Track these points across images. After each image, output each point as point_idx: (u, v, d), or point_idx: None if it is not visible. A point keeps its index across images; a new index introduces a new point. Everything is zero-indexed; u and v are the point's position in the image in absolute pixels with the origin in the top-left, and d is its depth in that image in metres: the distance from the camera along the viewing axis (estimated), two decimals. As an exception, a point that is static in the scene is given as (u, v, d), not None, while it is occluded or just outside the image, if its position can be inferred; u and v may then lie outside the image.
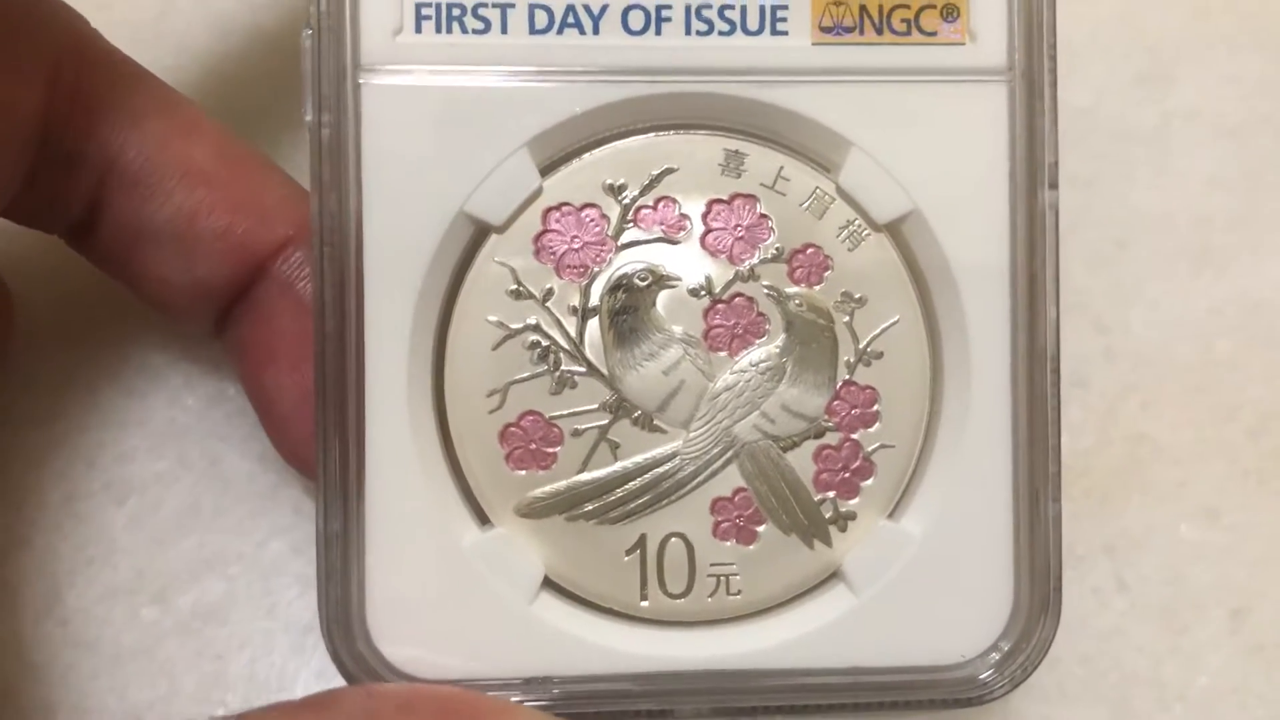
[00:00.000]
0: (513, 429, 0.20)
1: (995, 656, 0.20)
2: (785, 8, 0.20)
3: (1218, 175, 0.26)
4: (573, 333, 0.20)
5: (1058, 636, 0.20)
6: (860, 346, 0.21)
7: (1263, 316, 0.26)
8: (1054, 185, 0.20)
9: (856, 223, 0.21)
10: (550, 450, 0.20)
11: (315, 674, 0.24)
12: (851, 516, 0.21)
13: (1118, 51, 0.26)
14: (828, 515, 0.21)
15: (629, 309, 0.20)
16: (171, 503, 0.24)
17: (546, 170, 0.20)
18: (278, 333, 0.22)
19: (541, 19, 0.20)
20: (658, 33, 0.20)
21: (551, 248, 0.20)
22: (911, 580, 0.20)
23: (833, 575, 0.21)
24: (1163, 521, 0.25)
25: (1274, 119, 0.26)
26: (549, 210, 0.20)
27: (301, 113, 0.20)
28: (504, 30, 0.20)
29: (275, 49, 0.25)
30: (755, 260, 0.20)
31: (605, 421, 0.20)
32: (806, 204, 0.21)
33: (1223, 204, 0.26)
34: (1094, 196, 0.26)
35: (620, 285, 0.20)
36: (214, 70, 0.25)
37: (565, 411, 0.20)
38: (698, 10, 0.20)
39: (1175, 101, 0.26)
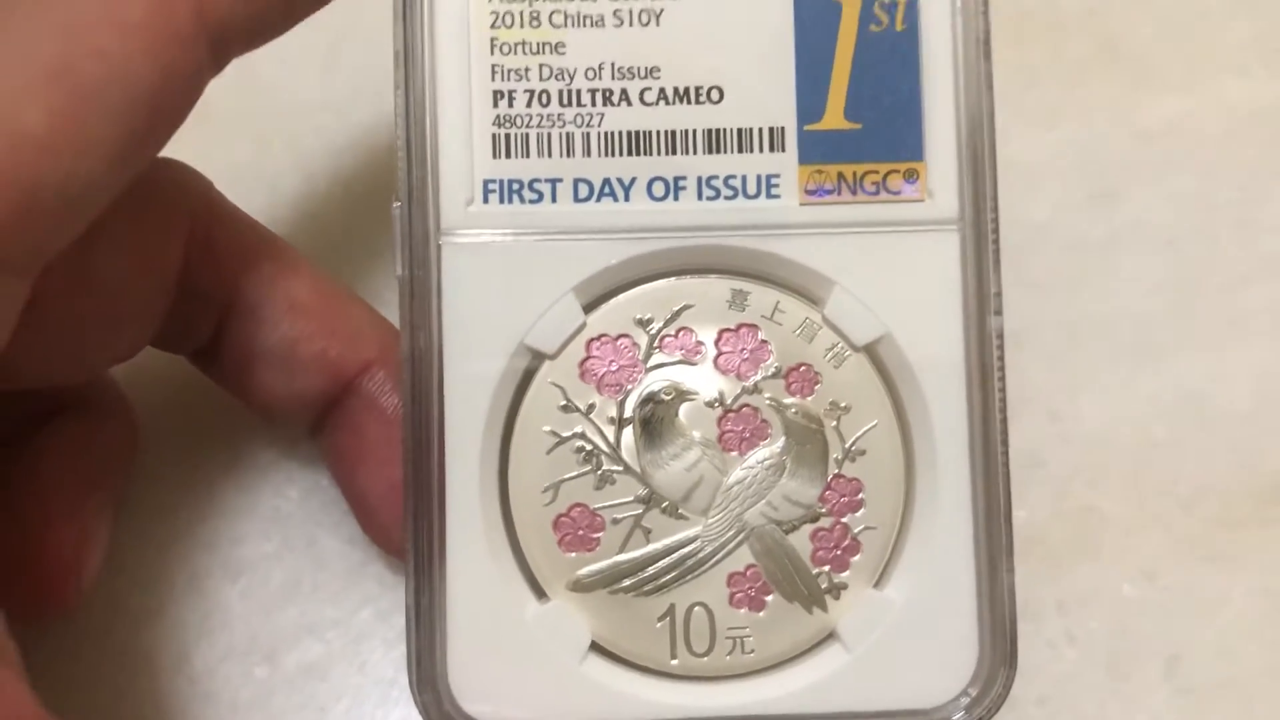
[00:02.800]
0: (563, 518, 0.22)
1: (965, 700, 0.22)
2: (777, 176, 0.22)
3: (1158, 281, 0.28)
4: (611, 439, 0.22)
5: (1016, 682, 0.22)
6: (846, 446, 0.22)
7: (1195, 404, 0.28)
8: (998, 312, 0.22)
9: (840, 345, 0.22)
10: (594, 536, 0.22)
11: (399, 720, 0.26)
12: (844, 586, 0.22)
13: (1071, 173, 0.28)
14: (824, 586, 0.22)
15: (656, 418, 0.22)
16: (277, 578, 0.26)
17: (589, 308, 0.22)
18: (367, 440, 0.24)
19: (584, 190, 0.22)
20: (675, 199, 0.22)
21: (593, 370, 0.22)
22: (894, 639, 0.22)
23: (829, 636, 0.22)
24: (1107, 582, 0.27)
25: (1205, 230, 0.28)
26: (591, 340, 0.22)
27: (393, 268, 0.21)
28: (554, 200, 0.22)
29: (354, 190, 0.28)
30: (758, 377, 0.22)
31: (639, 511, 0.22)
32: (799, 331, 0.23)
33: (1161, 306, 0.28)
34: (1049, 300, 0.28)
35: (649, 399, 0.22)
36: (301, 208, 0.28)
37: (606, 503, 0.22)
38: (707, 181, 0.22)
39: (1122, 216, 0.28)
